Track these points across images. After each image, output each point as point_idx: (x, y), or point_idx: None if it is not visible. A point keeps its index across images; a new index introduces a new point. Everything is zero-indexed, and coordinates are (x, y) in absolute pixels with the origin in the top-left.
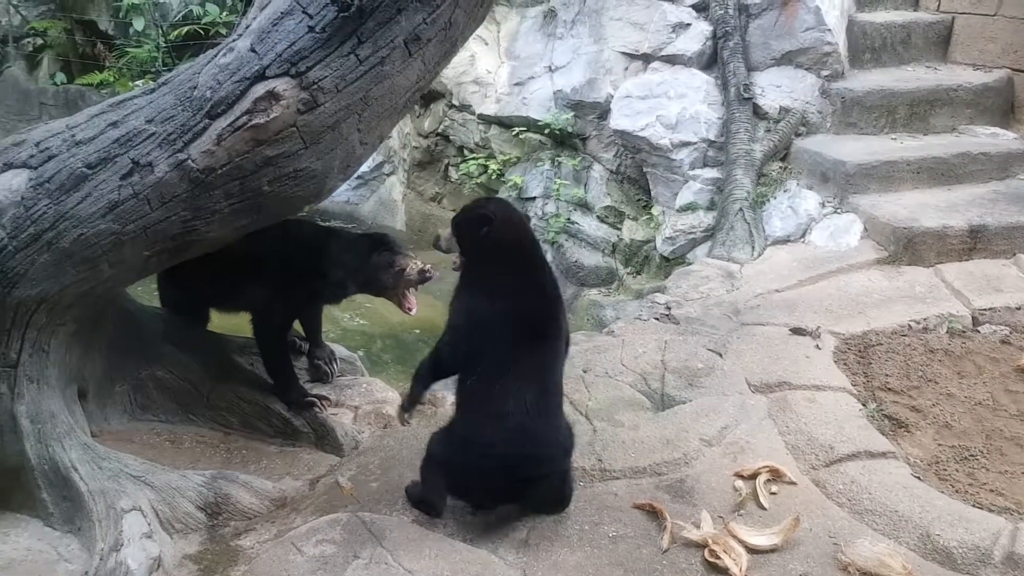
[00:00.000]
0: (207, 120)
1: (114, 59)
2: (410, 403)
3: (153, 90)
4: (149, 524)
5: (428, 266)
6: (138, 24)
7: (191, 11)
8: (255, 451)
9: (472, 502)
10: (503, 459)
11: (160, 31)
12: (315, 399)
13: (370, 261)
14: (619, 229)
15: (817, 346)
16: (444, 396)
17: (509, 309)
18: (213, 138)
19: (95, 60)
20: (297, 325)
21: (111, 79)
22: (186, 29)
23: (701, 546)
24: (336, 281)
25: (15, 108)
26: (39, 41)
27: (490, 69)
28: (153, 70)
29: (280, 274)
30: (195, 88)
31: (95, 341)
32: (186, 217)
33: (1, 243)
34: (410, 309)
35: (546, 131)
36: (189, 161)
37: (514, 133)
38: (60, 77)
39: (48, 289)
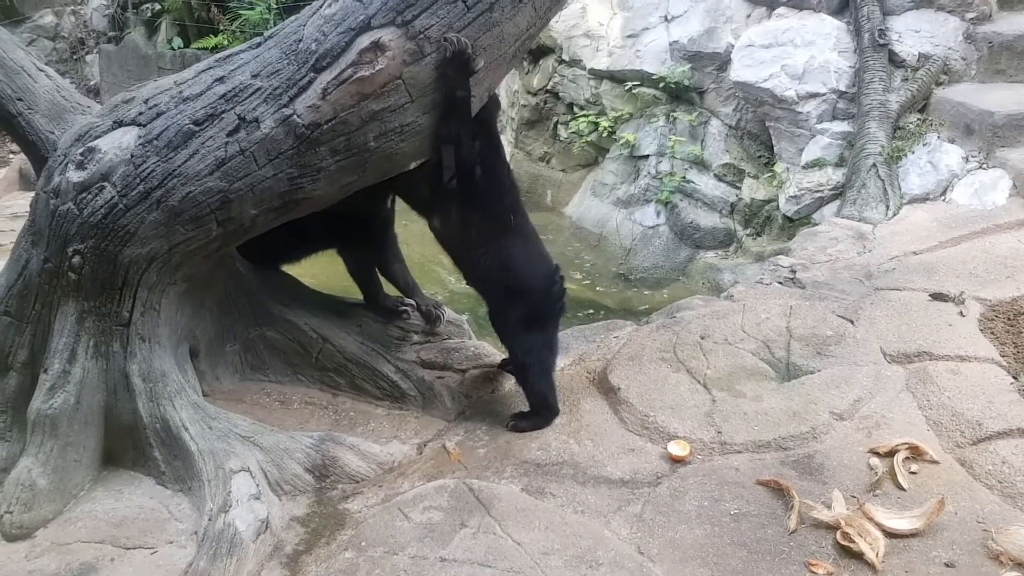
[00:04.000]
0: (312, 74)
1: (228, 22)
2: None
3: (259, 44)
4: (257, 485)
5: None
6: None
7: None
8: (363, 413)
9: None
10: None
11: None
12: (407, 308)
13: None
14: (738, 188)
15: (961, 313)
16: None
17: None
18: (318, 92)
19: (210, 24)
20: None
21: (225, 42)
22: None
23: (833, 528)
24: None
25: (135, 73)
26: (157, 7)
27: (602, 21)
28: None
29: None
30: (300, 41)
31: (206, 301)
32: (292, 175)
33: (112, 201)
34: None
35: (661, 85)
36: (295, 116)
37: (627, 88)
38: (177, 42)
39: (158, 248)
